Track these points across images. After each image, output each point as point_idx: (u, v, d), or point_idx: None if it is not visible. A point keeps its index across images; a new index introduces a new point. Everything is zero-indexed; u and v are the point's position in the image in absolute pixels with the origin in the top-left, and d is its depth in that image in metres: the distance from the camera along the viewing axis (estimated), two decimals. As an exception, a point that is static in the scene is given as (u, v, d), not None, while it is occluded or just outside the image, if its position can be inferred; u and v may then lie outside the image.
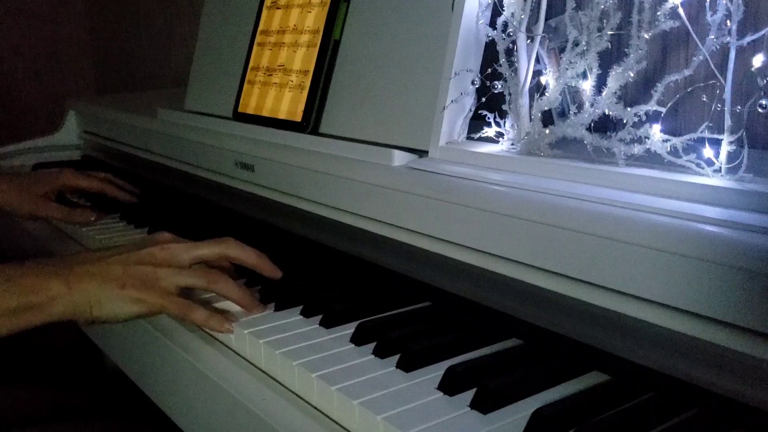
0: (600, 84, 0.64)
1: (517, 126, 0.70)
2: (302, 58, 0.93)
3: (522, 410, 0.51)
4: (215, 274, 0.72)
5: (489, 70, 0.72)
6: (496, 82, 0.71)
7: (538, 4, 0.68)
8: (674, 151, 0.59)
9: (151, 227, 1.00)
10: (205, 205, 1.09)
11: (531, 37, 0.69)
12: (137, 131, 1.27)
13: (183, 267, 0.72)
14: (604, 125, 0.65)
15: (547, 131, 0.67)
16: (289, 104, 0.93)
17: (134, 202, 1.14)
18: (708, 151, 0.58)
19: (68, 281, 0.68)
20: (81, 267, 0.70)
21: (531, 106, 0.69)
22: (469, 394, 0.53)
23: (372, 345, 0.62)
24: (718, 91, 0.58)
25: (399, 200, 0.71)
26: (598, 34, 0.64)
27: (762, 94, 0.54)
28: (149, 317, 0.72)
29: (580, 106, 0.66)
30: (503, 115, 0.72)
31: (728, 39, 0.57)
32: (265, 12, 1.02)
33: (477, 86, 0.73)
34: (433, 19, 0.77)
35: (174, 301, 0.69)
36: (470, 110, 0.75)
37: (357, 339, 0.64)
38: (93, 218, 1.07)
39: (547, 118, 0.68)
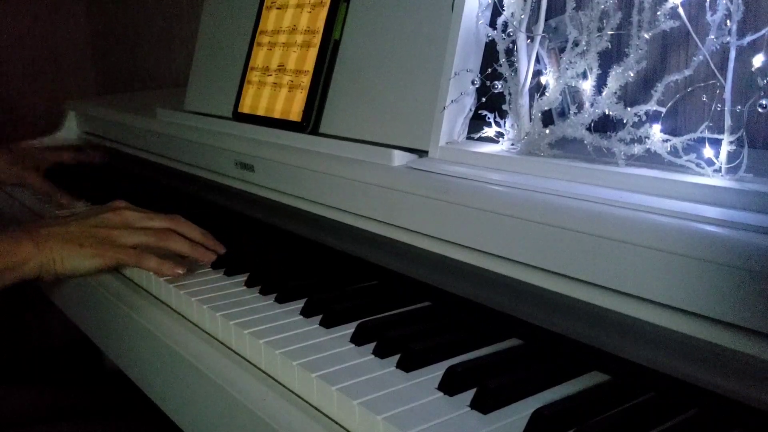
0: (600, 84, 0.64)
1: (517, 126, 0.70)
2: (302, 58, 0.93)
3: (522, 410, 0.51)
4: (164, 232, 0.82)
5: (489, 70, 0.72)
6: (496, 82, 0.71)
7: (538, 4, 0.68)
8: (674, 151, 0.59)
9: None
10: (205, 205, 1.09)
11: (531, 37, 0.69)
12: (137, 131, 1.27)
13: (136, 229, 0.82)
14: (604, 125, 0.65)
15: (547, 131, 0.67)
16: (289, 104, 0.93)
17: (106, 160, 1.35)
18: (708, 151, 0.58)
19: (36, 243, 0.79)
20: (46, 230, 0.80)
21: (531, 106, 0.69)
22: (469, 394, 0.53)
23: (372, 345, 0.62)
24: (718, 91, 0.58)
25: (399, 200, 0.71)
26: (598, 34, 0.64)
27: (762, 94, 0.54)
28: (108, 270, 0.82)
29: (580, 106, 0.66)
30: (503, 115, 0.72)
31: (728, 39, 0.57)
32: (265, 12, 1.02)
33: (477, 86, 0.73)
34: (433, 19, 0.77)
35: (128, 252, 0.80)
36: (470, 110, 0.75)
37: (357, 339, 0.64)
38: (64, 201, 1.19)
39: (547, 118, 0.68)
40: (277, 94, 0.96)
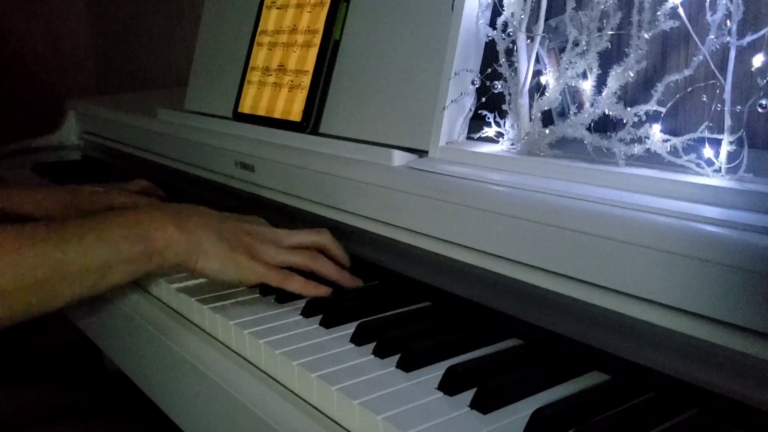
0: (600, 84, 0.64)
1: (517, 126, 0.70)
2: (302, 58, 0.93)
3: (522, 410, 0.51)
4: (315, 254, 0.75)
5: (489, 70, 0.72)
6: (496, 82, 0.71)
7: (538, 4, 0.68)
8: (674, 151, 0.59)
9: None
10: (205, 205, 1.09)
11: (531, 37, 0.69)
12: (137, 131, 1.27)
13: (284, 248, 0.75)
14: (604, 125, 0.65)
15: (547, 131, 0.67)
16: (289, 104, 0.93)
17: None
18: (708, 151, 0.58)
19: (186, 229, 0.72)
20: (196, 218, 0.73)
21: (531, 106, 0.69)
22: (469, 394, 0.53)
23: (372, 345, 0.62)
24: (718, 91, 0.58)
25: (399, 200, 0.71)
26: (598, 34, 0.64)
27: (762, 94, 0.54)
28: (243, 285, 0.75)
29: (580, 106, 0.66)
30: (503, 115, 0.72)
31: (728, 39, 0.57)
32: (265, 12, 1.02)
33: (477, 86, 0.73)
34: (433, 19, 0.77)
35: (275, 271, 0.73)
36: (470, 110, 0.75)
37: (357, 339, 0.64)
38: None
39: (547, 118, 0.68)
40: (278, 94, 0.96)
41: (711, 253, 0.48)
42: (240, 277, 0.72)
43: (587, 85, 0.65)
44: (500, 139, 0.72)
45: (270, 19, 1.01)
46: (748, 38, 0.57)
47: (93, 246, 0.68)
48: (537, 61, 0.69)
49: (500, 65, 0.71)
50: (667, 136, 0.60)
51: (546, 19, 0.68)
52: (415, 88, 0.78)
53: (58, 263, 0.67)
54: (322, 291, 0.72)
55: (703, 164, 0.58)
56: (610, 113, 0.63)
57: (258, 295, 0.74)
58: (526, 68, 0.69)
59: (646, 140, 0.60)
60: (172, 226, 0.71)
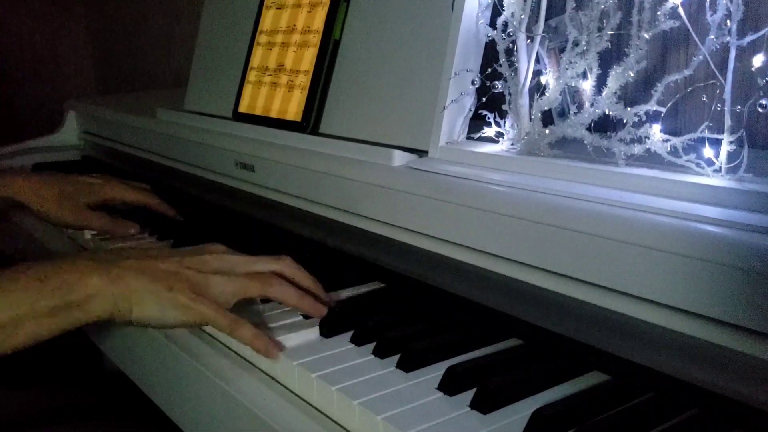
0: (600, 84, 0.64)
1: (517, 126, 0.70)
2: (302, 58, 0.93)
3: (522, 410, 0.51)
4: (270, 277, 0.67)
5: (489, 70, 0.72)
6: (496, 82, 0.71)
7: (538, 4, 0.68)
8: (674, 151, 0.59)
9: (152, 227, 1.00)
10: (206, 205, 1.09)
11: (531, 37, 0.68)
12: (137, 131, 1.27)
13: (236, 276, 0.67)
14: (604, 125, 0.65)
15: (547, 131, 0.67)
16: (289, 104, 0.93)
17: (177, 217, 1.05)
18: (708, 151, 0.58)
19: (110, 276, 0.63)
20: (126, 262, 0.65)
21: (531, 106, 0.69)
22: (469, 394, 0.53)
23: (372, 345, 0.62)
24: (718, 91, 0.58)
25: (399, 200, 0.71)
26: (598, 34, 0.64)
27: (762, 94, 0.54)
28: (191, 327, 0.67)
29: (580, 106, 0.66)
30: (503, 115, 0.72)
31: (728, 39, 0.57)
32: (265, 12, 1.02)
33: (477, 86, 0.73)
34: (433, 19, 0.77)
35: (222, 314, 0.64)
36: (470, 110, 0.75)
37: (357, 339, 0.64)
38: (133, 231, 1.00)
39: (547, 118, 0.68)
40: (277, 94, 0.96)
41: (711, 253, 0.48)
42: (183, 319, 0.64)
43: (587, 85, 0.65)
44: (500, 139, 0.72)
45: (270, 19, 1.01)
46: (748, 38, 0.57)
47: None
48: (537, 61, 0.69)
49: (500, 65, 0.71)
50: (667, 136, 0.60)
51: (546, 19, 0.68)
52: (415, 88, 0.78)
53: None
54: (272, 352, 0.62)
55: (703, 164, 0.58)
56: (610, 113, 0.63)
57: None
58: (526, 68, 0.69)
59: (646, 140, 0.60)
60: (96, 275, 0.63)
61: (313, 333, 0.66)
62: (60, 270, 0.63)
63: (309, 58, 0.91)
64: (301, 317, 0.69)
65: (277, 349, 0.62)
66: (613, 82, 0.63)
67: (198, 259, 0.68)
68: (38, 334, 0.62)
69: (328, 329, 0.66)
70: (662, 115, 0.61)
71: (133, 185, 1.08)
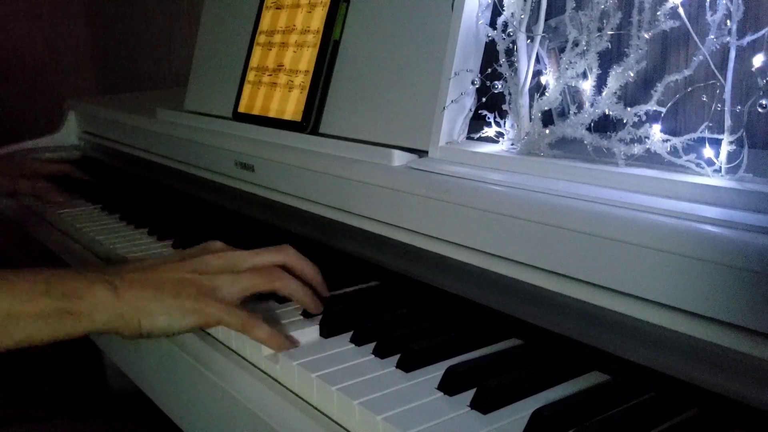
0: (600, 84, 0.64)
1: (517, 126, 0.70)
2: (302, 58, 0.93)
3: (522, 410, 0.51)
4: (274, 270, 0.68)
5: (489, 70, 0.72)
6: (496, 82, 0.71)
7: (538, 4, 0.68)
8: (674, 151, 0.59)
9: (151, 227, 1.00)
10: (205, 205, 1.09)
11: (531, 37, 0.69)
12: (137, 131, 1.27)
13: (240, 273, 0.68)
14: (604, 125, 0.65)
15: (547, 131, 0.67)
16: (289, 104, 0.93)
17: (89, 180, 1.31)
18: (708, 151, 0.58)
19: (116, 289, 0.63)
20: (130, 275, 0.65)
21: (531, 106, 0.69)
22: (469, 394, 0.53)
23: (372, 345, 0.62)
24: (718, 91, 0.58)
25: (399, 200, 0.71)
26: (598, 34, 0.64)
27: (762, 94, 0.54)
28: (203, 329, 0.67)
29: (580, 106, 0.66)
30: (503, 115, 0.72)
31: (728, 39, 0.57)
32: (265, 12, 1.02)
33: (477, 86, 0.73)
34: (433, 20, 0.77)
35: (233, 313, 0.64)
36: (470, 110, 0.75)
37: (357, 339, 0.64)
38: (61, 199, 1.21)
39: (547, 118, 0.68)
40: (277, 94, 0.96)
41: (711, 253, 0.48)
42: (194, 323, 0.64)
43: (587, 85, 0.65)
44: (500, 139, 0.72)
45: (270, 19, 1.01)
46: (748, 38, 0.57)
47: None
48: (537, 61, 0.69)
49: (500, 65, 0.71)
50: (667, 136, 0.60)
51: (546, 19, 0.68)
52: (415, 88, 0.78)
53: None
54: (286, 346, 0.63)
55: (703, 164, 0.58)
56: (610, 113, 0.63)
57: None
58: (526, 68, 0.69)
59: (646, 140, 0.60)
60: (101, 287, 0.62)
61: (313, 333, 0.66)
62: (69, 277, 0.63)
63: (309, 58, 0.92)
64: (301, 317, 0.69)
65: (291, 344, 0.63)
66: (613, 82, 0.63)
67: (201, 260, 0.67)
68: (32, 337, 0.61)
69: (328, 329, 0.66)
70: (662, 115, 0.61)
71: (51, 161, 1.36)
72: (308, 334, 0.65)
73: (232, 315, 0.64)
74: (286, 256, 0.70)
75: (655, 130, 0.60)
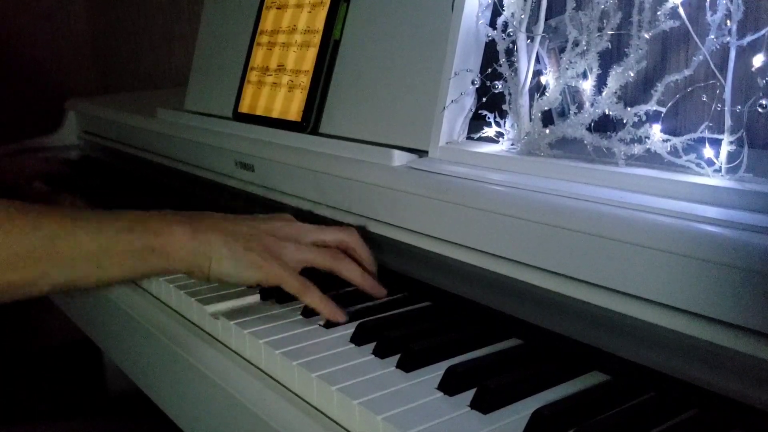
0: (600, 84, 0.64)
1: (517, 126, 0.70)
2: (302, 58, 0.93)
3: (522, 410, 0.51)
4: (339, 254, 0.71)
5: (489, 70, 0.72)
6: (496, 82, 0.71)
7: (538, 4, 0.68)
8: (674, 151, 0.59)
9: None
10: (205, 205, 1.09)
11: (531, 37, 0.69)
12: (137, 131, 1.27)
13: (306, 245, 0.71)
14: (604, 125, 0.65)
15: (547, 131, 0.67)
16: (289, 104, 0.93)
17: (89, 180, 1.33)
18: (708, 151, 0.58)
19: (194, 231, 0.67)
20: (207, 220, 0.69)
21: (531, 106, 0.69)
22: (469, 394, 0.53)
23: (372, 345, 0.62)
24: (718, 91, 0.58)
25: (399, 200, 0.71)
26: (598, 34, 0.64)
27: (762, 94, 0.54)
28: (263, 285, 0.70)
29: (580, 106, 0.66)
30: (503, 115, 0.72)
31: (728, 39, 0.57)
32: (265, 12, 1.02)
33: (477, 86, 0.73)
34: (433, 20, 0.77)
35: (294, 276, 0.68)
36: (470, 110, 0.75)
37: (357, 339, 0.64)
38: (61, 199, 1.18)
39: (547, 118, 0.68)
40: (277, 94, 0.96)
41: (711, 253, 0.48)
42: (257, 278, 0.68)
43: (587, 85, 0.65)
44: (500, 139, 0.72)
45: (270, 19, 1.01)
46: (748, 38, 0.57)
47: (88, 230, 0.64)
48: (537, 61, 0.69)
49: (500, 65, 0.71)
50: (667, 136, 0.60)
51: (546, 19, 0.68)
52: (415, 88, 0.78)
53: (47, 238, 0.62)
54: (339, 317, 0.67)
55: (703, 164, 0.58)
56: (610, 113, 0.63)
57: (258, 295, 0.74)
58: (526, 68, 0.69)
59: (646, 140, 0.60)
60: (180, 228, 0.67)
61: (314, 323, 0.66)
62: (149, 218, 0.67)
63: (309, 58, 0.92)
64: (301, 317, 0.69)
65: (342, 315, 0.67)
66: (613, 82, 0.63)
67: (271, 225, 0.71)
68: (123, 271, 0.65)
69: (327, 329, 0.66)
70: (662, 115, 0.61)
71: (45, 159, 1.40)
72: (308, 334, 0.65)
73: (292, 277, 0.67)
74: (349, 235, 0.73)
75: (655, 130, 0.60)
